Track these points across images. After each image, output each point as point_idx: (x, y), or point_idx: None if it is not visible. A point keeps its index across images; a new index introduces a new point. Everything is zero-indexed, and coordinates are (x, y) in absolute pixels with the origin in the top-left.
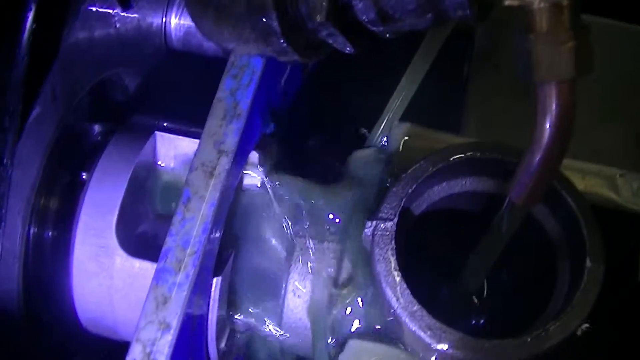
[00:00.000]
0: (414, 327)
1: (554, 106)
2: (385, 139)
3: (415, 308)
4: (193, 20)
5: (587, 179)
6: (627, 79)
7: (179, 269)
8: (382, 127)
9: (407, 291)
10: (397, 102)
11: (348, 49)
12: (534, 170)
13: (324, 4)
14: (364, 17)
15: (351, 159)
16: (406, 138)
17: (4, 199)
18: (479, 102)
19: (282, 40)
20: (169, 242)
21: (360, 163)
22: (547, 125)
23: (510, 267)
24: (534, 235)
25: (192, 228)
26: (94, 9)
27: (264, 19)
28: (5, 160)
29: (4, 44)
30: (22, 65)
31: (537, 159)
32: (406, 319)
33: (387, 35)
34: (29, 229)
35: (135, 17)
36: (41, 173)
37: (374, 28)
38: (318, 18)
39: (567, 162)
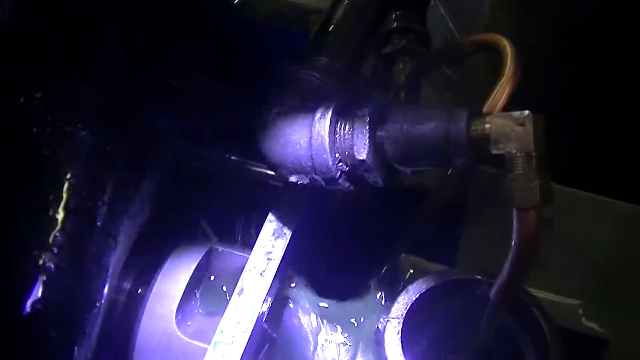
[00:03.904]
0: None
1: (524, 227)
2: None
3: None
4: (259, 150)
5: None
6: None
7: (231, 343)
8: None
9: None
10: (405, 241)
11: (379, 182)
12: (508, 275)
13: (367, 147)
14: (394, 159)
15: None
16: (411, 270)
17: None
18: (473, 247)
19: (332, 171)
20: (224, 321)
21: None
22: (519, 241)
23: None
24: (508, 345)
25: (244, 315)
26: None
27: (323, 156)
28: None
29: None
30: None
31: (511, 266)
32: None
33: (410, 173)
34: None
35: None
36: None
37: (401, 167)
38: (361, 157)
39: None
